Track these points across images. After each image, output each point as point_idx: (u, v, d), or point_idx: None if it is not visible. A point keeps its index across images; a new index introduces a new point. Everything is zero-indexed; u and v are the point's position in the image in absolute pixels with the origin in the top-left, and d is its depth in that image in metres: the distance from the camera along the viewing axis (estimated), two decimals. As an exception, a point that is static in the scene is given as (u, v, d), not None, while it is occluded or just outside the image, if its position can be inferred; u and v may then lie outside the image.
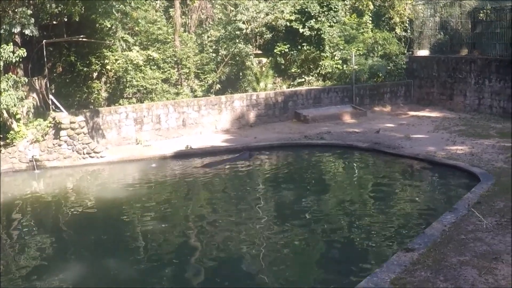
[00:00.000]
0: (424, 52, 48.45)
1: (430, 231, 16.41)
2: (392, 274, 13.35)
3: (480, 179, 23.35)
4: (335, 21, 44.55)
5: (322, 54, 43.77)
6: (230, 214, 22.62)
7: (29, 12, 29.42)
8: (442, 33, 48.46)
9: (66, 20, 34.64)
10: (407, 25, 48.61)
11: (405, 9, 48.04)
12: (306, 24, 42.65)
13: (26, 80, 30.84)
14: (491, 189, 21.51)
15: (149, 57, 37.44)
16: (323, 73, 44.14)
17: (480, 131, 34.54)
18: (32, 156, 30.51)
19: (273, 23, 41.95)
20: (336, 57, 44.27)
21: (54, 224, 22.51)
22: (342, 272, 16.42)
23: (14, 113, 29.99)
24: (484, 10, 45.96)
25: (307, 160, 31.78)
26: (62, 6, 32.16)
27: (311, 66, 44.19)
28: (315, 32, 42.88)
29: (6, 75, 29.22)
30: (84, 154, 31.25)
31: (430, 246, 15.10)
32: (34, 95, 32.71)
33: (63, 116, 31.42)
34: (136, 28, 38.02)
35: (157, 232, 20.73)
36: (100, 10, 32.11)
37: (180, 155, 32.06)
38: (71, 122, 31.08)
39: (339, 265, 17.09)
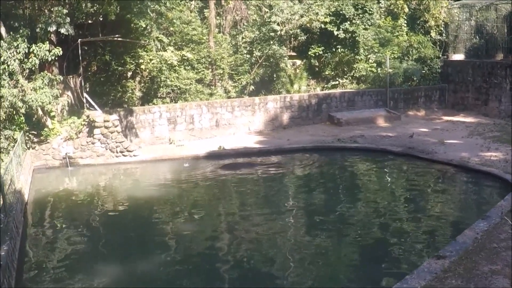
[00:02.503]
0: (459, 56, 48.04)
1: (462, 239, 16.16)
2: (423, 281, 13.22)
3: (514, 186, 23.05)
4: (369, 23, 44.34)
5: (357, 57, 43.63)
6: (261, 216, 22.53)
7: (65, 11, 29.68)
8: (477, 37, 47.94)
9: (101, 19, 34.97)
10: (442, 28, 48.21)
11: (440, 12, 47.68)
12: (341, 26, 42.44)
13: (61, 78, 31.18)
14: (525, 196, 21.20)
15: (184, 57, 37.52)
16: (357, 76, 43.96)
17: (515, 137, 34.08)
18: (66, 154, 30.81)
19: (308, 25, 41.84)
20: (370, 60, 44.08)
21: (86, 221, 22.59)
22: (372, 277, 16.31)
23: (48, 110, 30.24)
24: (521, 14, 45.60)
25: (339, 163, 31.64)
26: (97, 6, 32.45)
27: (345, 69, 44.05)
28: (349, 34, 42.67)
29: (41, 73, 29.52)
30: (117, 152, 31.46)
31: (461, 254, 14.87)
32: (69, 93, 33.01)
33: (97, 115, 31.63)
34: (171, 28, 38.13)
35: (187, 232, 20.79)
36: (135, 10, 32.27)
37: (213, 156, 32.12)
38: (105, 121, 31.30)
39: (369, 270, 16.96)
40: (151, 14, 33.69)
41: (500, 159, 28.36)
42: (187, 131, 35.88)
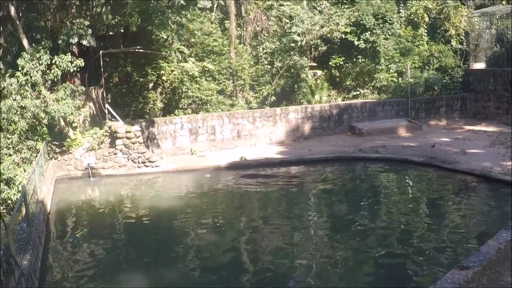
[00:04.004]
0: (480, 65, 47.80)
1: (485, 249, 15.95)
2: (446, 292, 13.13)
3: (537, 196, 22.91)
4: (390, 33, 44.24)
5: (377, 66, 43.53)
6: (282, 225, 22.51)
7: (86, 23, 29.99)
8: (498, 45, 47.74)
9: (122, 31, 35.26)
10: (462, 37, 48.11)
11: (460, 21, 47.56)
12: (361, 36, 42.41)
13: (83, 89, 31.39)
14: (549, 206, 21.09)
15: (205, 69, 37.65)
16: (378, 86, 43.94)
17: (538, 146, 33.84)
18: (88, 164, 30.98)
19: (328, 35, 41.80)
20: (391, 70, 44.02)
21: (108, 231, 22.70)
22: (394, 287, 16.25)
23: (70, 121, 30.49)
24: (542, 22, 45.41)
25: (361, 173, 31.50)
26: (118, 17, 32.72)
27: (366, 79, 44.01)
28: (370, 44, 42.62)
29: (63, 84, 29.77)
30: (139, 163, 31.57)
31: (485, 264, 14.70)
32: (91, 104, 33.20)
33: (119, 125, 31.76)
34: (192, 40, 38.32)
35: (209, 242, 20.79)
36: (156, 21, 32.43)
37: (235, 166, 32.14)
38: (126, 132, 31.45)
39: (391, 280, 16.86)
40: (172, 26, 33.86)
41: (522, 168, 28.15)
42: (209, 142, 35.97)
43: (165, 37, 35.16)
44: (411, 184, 29.67)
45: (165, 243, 21.05)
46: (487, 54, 47.86)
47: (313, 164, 32.92)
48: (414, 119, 42.78)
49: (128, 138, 31.46)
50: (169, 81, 36.47)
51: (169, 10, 32.32)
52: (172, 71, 36.17)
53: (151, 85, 36.62)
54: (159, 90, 37.12)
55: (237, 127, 37.05)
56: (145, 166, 31.63)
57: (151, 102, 36.29)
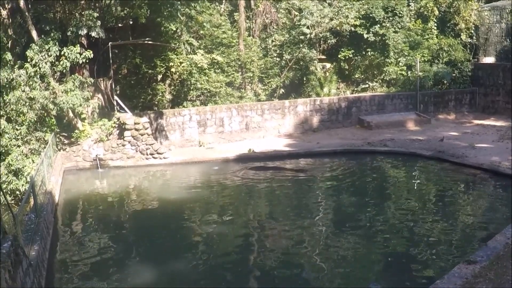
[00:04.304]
0: (489, 59, 47.73)
1: (493, 244, 15.91)
2: (453, 286, 13.06)
3: (545, 191, 22.87)
4: (399, 26, 44.17)
5: (387, 60, 43.51)
6: (290, 219, 22.40)
7: (96, 14, 30.01)
8: (508, 40, 47.66)
9: (131, 23, 35.19)
10: (472, 31, 48.07)
11: (470, 15, 47.47)
12: (371, 29, 42.37)
13: (92, 81, 31.44)
14: (557, 201, 21.06)
15: (214, 61, 37.63)
16: (387, 79, 43.95)
17: (547, 141, 33.78)
18: (96, 155, 31.06)
19: (338, 28, 41.72)
20: (400, 63, 44.01)
21: (115, 222, 22.75)
22: (402, 281, 16.20)
23: (79, 112, 30.55)
24: (553, 15, 45.33)
25: (369, 167, 31.49)
26: (128, 9, 32.64)
27: (375, 72, 44.00)
28: (379, 37, 42.58)
29: (72, 75, 29.82)
30: (147, 154, 31.61)
31: (492, 259, 14.66)
32: (99, 95, 33.28)
33: (128, 117, 31.81)
34: (201, 32, 38.36)
35: (217, 234, 20.74)
36: (165, 13, 32.44)
37: (243, 159, 32.11)
38: (135, 123, 31.46)
39: (399, 274, 16.84)
40: (181, 18, 33.94)
41: (531, 163, 28.09)
42: (217, 134, 36.00)
43: (174, 29, 35.15)
44: (419, 178, 29.60)
45: (173, 235, 21.04)
46: (497, 48, 47.83)
47: (321, 157, 32.93)
48: (423, 113, 42.80)
49: (136, 129, 31.49)
50: (177, 73, 36.45)
51: (178, 2, 32.35)
52: (181, 63, 36.14)
53: (159, 77, 36.62)
54: (167, 82, 37.11)
55: (246, 119, 37.08)
56: (153, 157, 31.66)
57: (160, 94, 36.28)
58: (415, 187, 27.57)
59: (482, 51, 48.75)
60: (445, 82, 45.12)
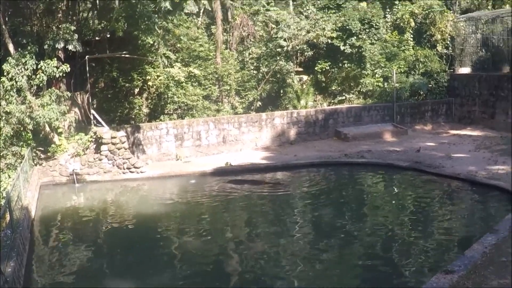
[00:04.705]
0: (465, 70, 48.14)
1: (470, 253, 16.09)
2: (432, 296, 13.19)
3: (522, 200, 23.11)
4: (376, 38, 44.45)
5: (363, 71, 43.71)
6: (267, 232, 22.48)
7: (73, 28, 30.02)
8: (483, 50, 48.08)
9: (108, 36, 35.17)
10: (448, 42, 48.36)
11: (446, 26, 47.82)
12: (347, 41, 42.54)
13: (69, 94, 31.38)
14: (534, 209, 21.25)
15: (191, 74, 37.60)
16: (364, 91, 44.11)
17: (523, 150, 34.11)
18: (73, 170, 30.88)
19: (314, 40, 41.87)
20: (377, 75, 44.22)
21: (92, 238, 22.67)
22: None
23: (56, 127, 30.44)
24: (527, 26, 45.78)
25: (347, 179, 31.66)
26: (105, 22, 32.68)
27: (351, 84, 44.16)
28: (356, 49, 42.77)
29: (49, 89, 29.71)
30: (124, 169, 31.50)
31: (470, 268, 14.81)
32: (76, 109, 33.17)
33: (104, 131, 31.72)
34: (178, 45, 38.37)
35: (194, 249, 20.73)
36: (142, 26, 32.47)
37: (220, 172, 32.07)
38: (112, 137, 31.37)
39: (377, 285, 16.93)
40: (158, 31, 33.97)
41: (507, 172, 28.46)
42: (194, 147, 35.95)
43: (151, 42, 35.16)
44: (396, 188, 29.83)
45: (151, 250, 20.96)
46: (473, 58, 48.20)
47: (299, 169, 32.99)
48: (400, 124, 42.95)
49: (113, 143, 31.38)
50: (155, 87, 36.38)
51: (156, 15, 32.33)
52: (158, 76, 36.08)
53: (137, 90, 36.55)
54: (144, 95, 37.03)
55: (223, 132, 37.03)
56: (130, 172, 31.56)
57: (137, 108, 36.20)
58: (393, 198, 27.76)
59: (458, 61, 49.08)
60: (421, 93, 45.34)
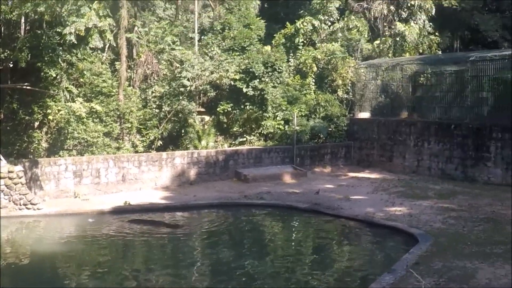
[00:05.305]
0: (365, 115, 49.32)
1: (368, 293, 16.54)
2: None
3: (418, 240, 23.85)
4: (278, 81, 45.15)
5: (265, 114, 44.24)
6: (165, 274, 22.27)
7: (-26, 56, 29.41)
8: (383, 96, 49.49)
9: (11, 66, 34.51)
10: (349, 87, 49.69)
11: (347, 72, 49.10)
12: (250, 84, 43.11)
13: (-34, 126, 30.63)
14: (429, 249, 22.11)
15: (92, 110, 37.23)
16: (265, 133, 44.57)
17: (419, 192, 35.30)
18: (-33, 205, 30.08)
19: (218, 81, 42.33)
20: (278, 118, 44.77)
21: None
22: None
23: (-50, 160, 29.66)
24: (425, 74, 47.45)
25: (246, 220, 31.73)
26: (8, 52, 32.15)
27: (253, 126, 44.62)
28: (258, 92, 43.35)
29: None
30: (20, 205, 30.80)
31: (368, 307, 15.20)
32: (-27, 142, 32.42)
33: (2, 165, 30.97)
34: (81, 80, 38.00)
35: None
36: (46, 58, 32.23)
37: (119, 211, 31.65)
38: (9, 171, 30.70)
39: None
40: (62, 64, 33.65)
41: (404, 214, 29.32)
42: (93, 185, 35.46)
43: (54, 75, 34.58)
44: (295, 230, 30.23)
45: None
46: (372, 104, 49.48)
47: (198, 210, 32.92)
48: (300, 166, 43.48)
49: (10, 178, 30.68)
50: (55, 121, 35.84)
51: (60, 48, 32.13)
52: (59, 110, 35.49)
53: (36, 124, 35.96)
54: (44, 129, 36.43)
55: (123, 170, 36.66)
56: (27, 208, 30.88)
57: (36, 142, 35.58)
58: (292, 239, 28.14)
59: (358, 106, 50.27)
60: (321, 136, 46.09)
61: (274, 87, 44.66)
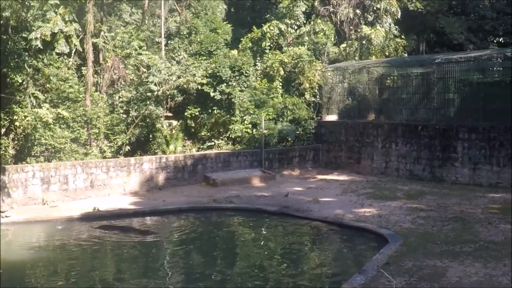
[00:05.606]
0: (332, 117, 49.64)
1: (339, 293, 16.61)
2: None
3: (388, 240, 24.06)
4: (246, 85, 45.17)
5: (232, 118, 44.25)
6: (136, 280, 22.18)
7: None
8: (350, 98, 49.90)
9: (-24, 72, 34.23)
10: (316, 90, 49.86)
11: (314, 75, 49.24)
12: (217, 88, 43.10)
13: None
14: (399, 249, 22.32)
15: (59, 116, 36.87)
16: (233, 137, 44.60)
17: (388, 193, 35.61)
18: None
19: (185, 86, 42.25)
20: (246, 121, 44.86)
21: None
22: None
23: None
24: (391, 77, 47.75)
25: (216, 224, 31.67)
26: (-27, 58, 31.90)
27: (221, 130, 44.63)
28: (226, 96, 43.37)
29: None
30: (-13, 213, 30.61)
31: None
32: None
33: (-32, 173, 30.83)
34: (47, 85, 37.64)
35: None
36: (12, 64, 31.93)
37: (88, 217, 31.48)
38: (-24, 180, 30.50)
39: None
40: (28, 70, 33.41)
41: (373, 215, 29.59)
42: (61, 192, 35.18)
43: (20, 80, 34.39)
44: (265, 233, 30.21)
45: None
46: (340, 106, 49.87)
47: (168, 215, 32.90)
48: (268, 169, 43.59)
49: (-23, 186, 30.56)
50: (22, 127, 35.58)
51: (26, 53, 31.90)
52: (25, 116, 35.24)
53: (3, 130, 35.59)
54: (11, 136, 36.11)
55: (91, 176, 36.44)
56: (-5, 216, 30.74)
57: (3, 149, 35.20)
58: (262, 242, 28.18)
59: (325, 109, 50.60)
60: (289, 139, 46.28)
61: (242, 91, 44.70)
